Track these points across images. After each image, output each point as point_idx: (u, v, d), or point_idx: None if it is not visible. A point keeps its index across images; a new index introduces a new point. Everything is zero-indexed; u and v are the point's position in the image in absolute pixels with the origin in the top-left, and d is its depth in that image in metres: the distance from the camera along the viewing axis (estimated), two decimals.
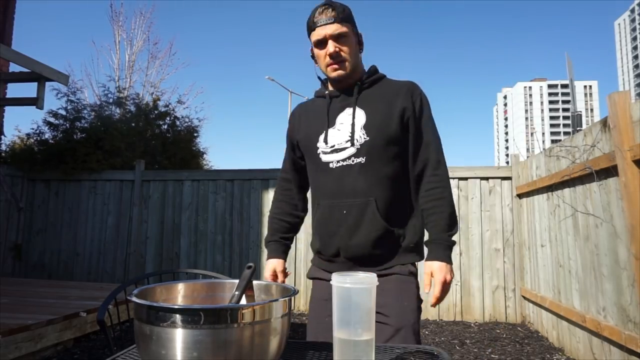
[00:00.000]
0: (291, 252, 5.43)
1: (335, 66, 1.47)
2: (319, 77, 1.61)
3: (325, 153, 1.49)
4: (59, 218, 6.17)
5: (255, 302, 0.96)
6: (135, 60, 12.92)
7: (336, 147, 1.47)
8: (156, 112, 7.72)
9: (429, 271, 1.39)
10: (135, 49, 13.03)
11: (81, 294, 4.58)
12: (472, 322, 4.94)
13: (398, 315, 1.37)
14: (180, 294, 0.99)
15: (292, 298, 0.89)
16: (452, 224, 1.43)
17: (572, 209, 3.54)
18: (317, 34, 1.46)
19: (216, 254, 5.68)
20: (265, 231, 5.59)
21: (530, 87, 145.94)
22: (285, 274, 1.63)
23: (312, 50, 1.53)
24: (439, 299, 1.36)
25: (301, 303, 5.38)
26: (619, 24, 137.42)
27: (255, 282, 0.98)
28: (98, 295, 4.52)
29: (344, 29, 1.45)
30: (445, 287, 1.36)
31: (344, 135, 1.47)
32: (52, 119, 6.74)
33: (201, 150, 8.29)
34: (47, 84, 5.29)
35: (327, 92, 1.56)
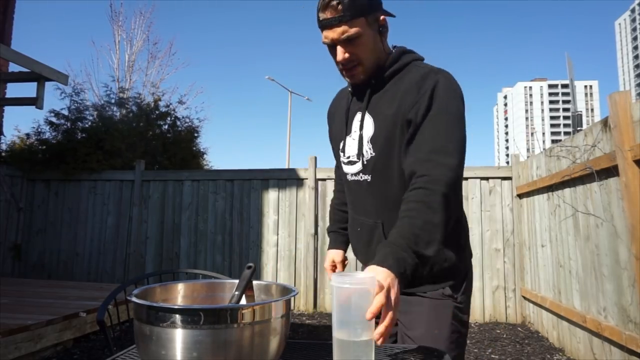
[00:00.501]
0: (291, 252, 5.44)
1: (348, 73, 1.25)
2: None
3: (344, 163, 1.35)
4: (59, 218, 6.17)
5: (255, 302, 0.95)
6: (135, 60, 12.93)
7: (350, 158, 1.32)
8: (157, 112, 7.73)
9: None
10: (135, 49, 13.05)
11: (81, 294, 4.58)
12: (472, 322, 4.93)
13: (427, 341, 1.20)
14: (180, 294, 0.99)
15: (292, 298, 0.88)
16: (422, 235, 1.01)
17: (572, 209, 3.54)
18: (324, 36, 1.21)
19: (216, 254, 5.68)
20: (265, 231, 5.60)
21: (530, 87, 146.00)
22: (344, 264, 1.54)
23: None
24: (373, 314, 0.83)
25: (301, 303, 5.38)
26: (620, 24, 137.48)
27: (255, 282, 0.97)
28: (98, 296, 4.52)
29: (353, 30, 1.16)
30: (385, 302, 0.86)
31: (354, 147, 1.30)
32: (53, 119, 6.75)
33: (201, 150, 8.31)
34: (50, 84, 5.30)
35: (349, 89, 1.35)
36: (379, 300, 0.85)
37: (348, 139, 1.32)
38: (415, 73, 1.24)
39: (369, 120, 1.26)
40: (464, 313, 1.26)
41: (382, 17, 1.24)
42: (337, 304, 0.86)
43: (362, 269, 1.29)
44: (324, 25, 1.19)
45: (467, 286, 1.29)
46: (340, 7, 1.15)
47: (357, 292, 0.85)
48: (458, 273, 1.27)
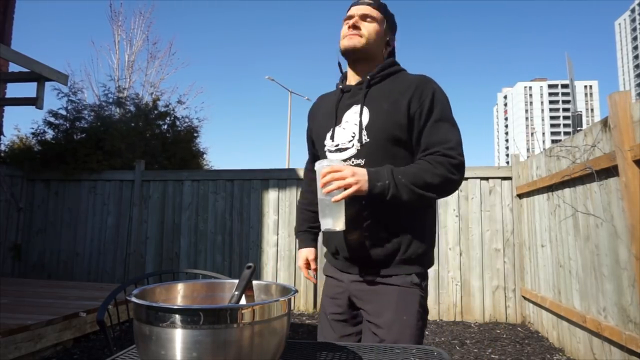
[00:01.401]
0: (291, 252, 5.44)
1: (351, 34, 1.44)
2: (339, 67, 1.58)
3: (330, 151, 1.47)
4: (59, 218, 6.17)
5: (255, 302, 0.95)
6: (134, 60, 12.92)
7: (340, 146, 1.44)
8: (156, 112, 7.72)
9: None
10: (134, 48, 13.03)
11: (81, 294, 4.57)
12: (472, 323, 4.93)
13: (396, 329, 1.32)
14: (179, 294, 0.99)
15: (292, 298, 0.88)
16: (415, 174, 1.29)
17: (572, 209, 3.54)
18: (349, 11, 1.49)
19: (216, 254, 5.68)
20: (265, 231, 5.60)
21: (530, 87, 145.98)
22: (316, 261, 1.66)
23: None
24: (325, 182, 1.25)
25: (301, 303, 5.38)
26: (619, 24, 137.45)
27: (255, 282, 0.97)
28: (98, 296, 4.52)
29: (373, 12, 1.46)
30: (338, 184, 1.23)
31: (347, 135, 1.43)
32: (52, 119, 6.75)
33: (201, 150, 8.30)
34: (48, 84, 5.29)
35: (340, 86, 1.53)
36: (339, 168, 1.25)
37: (337, 128, 1.47)
38: (409, 77, 1.45)
39: (365, 111, 1.42)
40: (426, 302, 1.42)
41: (390, 38, 1.53)
42: (317, 179, 1.28)
43: (339, 254, 1.48)
44: (356, 3, 1.49)
45: (427, 277, 1.46)
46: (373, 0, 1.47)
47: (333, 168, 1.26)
48: (427, 262, 1.43)
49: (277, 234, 5.56)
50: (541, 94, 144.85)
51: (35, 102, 5.11)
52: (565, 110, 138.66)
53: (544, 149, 4.45)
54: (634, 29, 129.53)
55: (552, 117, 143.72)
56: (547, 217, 4.13)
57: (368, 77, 1.45)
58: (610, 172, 2.87)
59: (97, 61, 20.29)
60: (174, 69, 16.28)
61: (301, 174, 5.56)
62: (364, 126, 1.40)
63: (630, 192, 2.60)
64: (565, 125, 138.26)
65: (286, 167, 13.22)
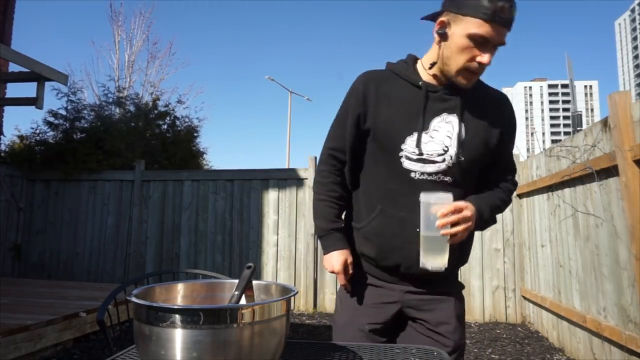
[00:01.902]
0: (291, 252, 5.44)
1: (470, 76, 1.23)
2: (409, 54, 1.37)
3: (409, 159, 1.27)
4: (59, 218, 6.17)
5: (255, 302, 0.95)
6: (134, 60, 12.95)
7: (425, 157, 1.26)
8: (156, 112, 7.73)
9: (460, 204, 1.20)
10: (134, 48, 13.06)
11: (81, 294, 4.57)
12: (472, 322, 4.93)
13: (457, 334, 1.34)
14: (179, 294, 0.98)
15: (292, 298, 0.88)
16: (495, 211, 1.35)
17: (572, 209, 3.54)
18: (487, 29, 1.14)
19: (216, 254, 5.68)
20: (265, 231, 5.59)
21: (530, 87, 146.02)
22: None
23: (449, 27, 1.20)
24: (451, 229, 1.17)
25: (301, 303, 5.38)
26: (619, 24, 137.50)
27: (255, 282, 0.97)
28: (98, 295, 4.52)
29: (505, 40, 1.19)
30: (465, 225, 1.19)
31: (437, 147, 1.26)
32: (52, 119, 6.75)
33: (201, 150, 8.30)
34: (47, 84, 5.29)
35: (421, 82, 1.30)
36: (458, 207, 1.18)
37: (424, 135, 1.26)
38: (495, 93, 1.38)
39: (462, 126, 1.28)
40: None
41: None
42: (424, 214, 1.19)
43: (399, 270, 1.35)
44: (498, 21, 1.13)
45: None
46: (513, 15, 1.15)
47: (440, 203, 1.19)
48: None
49: (277, 234, 5.56)
50: (541, 94, 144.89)
51: (35, 102, 5.11)
52: (565, 110, 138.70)
53: (544, 149, 4.45)
54: (634, 29, 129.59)
55: (552, 117, 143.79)
56: (547, 217, 4.13)
57: (465, 89, 1.27)
58: (610, 172, 2.87)
59: (97, 61, 20.36)
60: (174, 68, 16.35)
61: (301, 174, 5.55)
62: (460, 141, 1.27)
63: (630, 192, 2.60)
64: (565, 125, 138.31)
65: (286, 167, 13.22)
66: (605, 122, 2.98)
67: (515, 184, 1.44)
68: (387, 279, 1.34)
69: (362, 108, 1.33)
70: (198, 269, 5.30)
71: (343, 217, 1.46)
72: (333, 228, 1.39)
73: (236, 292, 0.92)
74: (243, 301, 0.93)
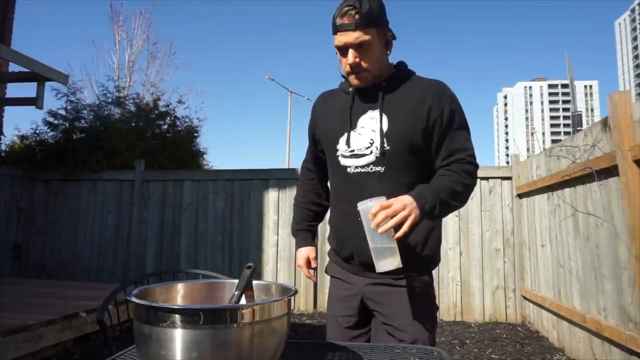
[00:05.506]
0: (291, 252, 5.44)
1: (355, 77, 1.38)
2: (342, 74, 1.51)
3: (344, 157, 1.43)
4: (59, 218, 6.16)
5: (255, 302, 0.95)
6: (135, 60, 12.96)
7: (356, 152, 1.40)
8: (156, 112, 7.72)
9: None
10: (135, 48, 13.07)
11: (81, 294, 4.57)
12: (472, 322, 4.93)
13: (414, 327, 1.35)
14: (179, 294, 0.99)
15: (292, 298, 0.88)
16: (449, 187, 1.31)
17: (572, 209, 3.54)
18: (337, 40, 1.35)
19: (216, 254, 5.68)
20: (265, 231, 5.59)
21: (530, 87, 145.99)
22: (317, 260, 1.64)
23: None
24: (381, 206, 1.19)
25: (301, 303, 5.38)
26: (619, 24, 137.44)
27: (255, 282, 0.97)
28: (98, 295, 4.51)
29: (366, 37, 1.31)
30: (398, 218, 1.18)
31: (364, 141, 1.39)
32: (51, 119, 6.73)
33: (201, 150, 8.30)
34: (47, 84, 5.29)
35: (350, 89, 1.46)
36: (387, 203, 1.18)
37: (353, 134, 1.42)
38: (425, 82, 1.43)
39: (383, 117, 1.38)
40: (435, 301, 1.47)
41: (389, 34, 1.41)
42: (364, 221, 1.22)
43: (354, 259, 1.46)
44: (341, 29, 1.33)
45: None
46: (357, 16, 1.30)
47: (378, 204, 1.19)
48: (437, 261, 1.48)
49: (277, 234, 5.56)
50: (541, 94, 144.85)
51: (35, 102, 5.11)
52: (565, 110, 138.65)
53: (544, 148, 4.45)
54: (634, 29, 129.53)
55: (552, 117, 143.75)
56: (547, 217, 4.13)
57: (384, 82, 1.41)
58: (610, 172, 2.87)
59: (97, 61, 20.39)
60: (174, 68, 16.41)
61: None
62: (384, 133, 1.37)
63: (630, 192, 2.60)
64: (565, 125, 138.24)
65: (286, 167, 13.21)
66: (605, 122, 2.98)
67: (470, 162, 1.38)
68: (350, 269, 1.48)
69: (313, 124, 1.60)
70: (198, 269, 5.30)
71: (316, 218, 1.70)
72: (299, 229, 1.67)
73: (236, 292, 0.92)
74: (243, 301, 0.93)
